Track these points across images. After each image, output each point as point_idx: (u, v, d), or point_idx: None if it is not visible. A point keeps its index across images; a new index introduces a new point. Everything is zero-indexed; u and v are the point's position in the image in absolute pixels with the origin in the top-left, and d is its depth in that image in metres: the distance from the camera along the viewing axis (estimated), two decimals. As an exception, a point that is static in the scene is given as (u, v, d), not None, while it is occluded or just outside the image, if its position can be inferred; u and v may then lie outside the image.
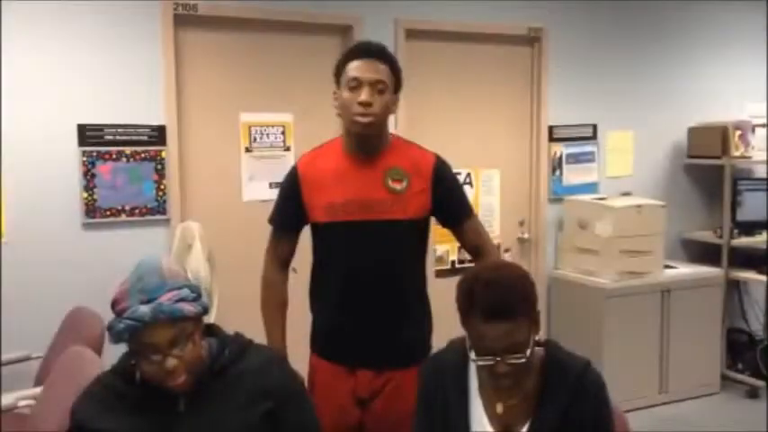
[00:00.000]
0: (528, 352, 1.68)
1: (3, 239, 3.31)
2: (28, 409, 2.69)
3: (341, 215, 2.25)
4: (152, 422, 1.72)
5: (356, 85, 2.18)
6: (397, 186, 2.26)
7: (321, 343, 2.38)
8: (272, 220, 2.43)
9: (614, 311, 4.25)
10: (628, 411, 4.04)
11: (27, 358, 3.23)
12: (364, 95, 2.16)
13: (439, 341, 1.98)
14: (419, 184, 2.29)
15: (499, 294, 1.67)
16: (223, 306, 3.34)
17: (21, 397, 2.65)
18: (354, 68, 2.20)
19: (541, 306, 4.57)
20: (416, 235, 2.35)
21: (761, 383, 4.52)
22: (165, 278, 1.68)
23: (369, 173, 2.26)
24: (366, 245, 2.26)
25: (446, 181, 2.36)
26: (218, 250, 3.47)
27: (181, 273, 1.76)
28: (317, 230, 2.34)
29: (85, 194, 3.43)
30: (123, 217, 3.51)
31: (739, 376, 4.67)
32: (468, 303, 1.69)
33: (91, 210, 3.44)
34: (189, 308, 1.67)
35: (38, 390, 2.70)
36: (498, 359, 1.66)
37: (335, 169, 2.28)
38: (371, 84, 2.18)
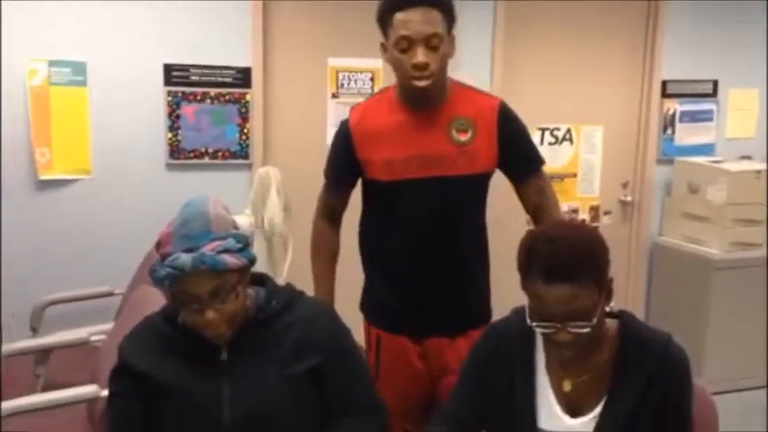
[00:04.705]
0: (594, 321, 1.48)
1: (89, 175, 3.37)
2: (101, 343, 2.73)
3: (401, 173, 2.07)
4: (194, 368, 1.67)
5: (407, 45, 1.95)
6: (463, 137, 2.08)
7: (383, 317, 2.24)
8: (325, 173, 2.30)
9: (722, 284, 3.92)
10: (730, 392, 3.83)
11: (110, 294, 3.29)
12: (420, 56, 1.94)
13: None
14: (485, 133, 2.10)
15: (563, 253, 1.48)
16: (298, 256, 3.26)
17: (93, 332, 2.71)
18: (402, 24, 1.95)
19: (642, 275, 4.32)
20: (482, 190, 2.19)
21: None
22: (209, 226, 1.60)
23: (431, 125, 2.06)
24: (429, 204, 2.09)
25: (512, 128, 2.15)
26: (298, 198, 3.39)
27: (228, 219, 1.67)
28: (375, 187, 2.17)
29: (170, 135, 3.43)
30: (206, 159, 3.49)
31: None
32: (528, 262, 1.52)
33: (175, 150, 3.44)
34: (232, 260, 1.58)
35: (109, 325, 2.74)
36: (559, 326, 1.48)
37: (392, 122, 2.09)
38: (425, 40, 1.94)
